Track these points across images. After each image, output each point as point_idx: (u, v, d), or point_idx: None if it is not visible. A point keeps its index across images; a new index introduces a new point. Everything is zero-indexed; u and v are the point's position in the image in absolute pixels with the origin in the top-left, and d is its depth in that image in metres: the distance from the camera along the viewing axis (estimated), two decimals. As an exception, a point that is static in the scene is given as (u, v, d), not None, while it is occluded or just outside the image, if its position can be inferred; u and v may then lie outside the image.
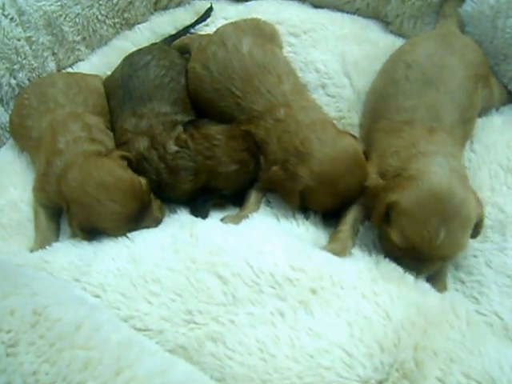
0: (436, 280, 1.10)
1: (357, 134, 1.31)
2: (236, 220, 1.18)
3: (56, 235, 1.27)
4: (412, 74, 1.25)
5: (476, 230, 1.06)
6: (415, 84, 1.23)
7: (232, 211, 1.26)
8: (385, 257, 1.09)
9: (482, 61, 1.35)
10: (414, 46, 1.34)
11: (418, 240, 1.01)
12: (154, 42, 1.52)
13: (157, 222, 1.20)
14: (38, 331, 0.78)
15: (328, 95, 1.40)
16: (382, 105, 1.28)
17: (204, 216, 1.21)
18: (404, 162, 1.10)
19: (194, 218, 1.19)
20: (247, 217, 1.18)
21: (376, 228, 1.14)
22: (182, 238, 1.08)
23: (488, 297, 1.07)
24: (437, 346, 0.90)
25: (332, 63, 1.41)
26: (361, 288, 0.97)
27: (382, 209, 1.06)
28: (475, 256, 1.14)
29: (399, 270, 1.05)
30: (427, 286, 1.06)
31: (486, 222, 1.14)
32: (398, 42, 1.46)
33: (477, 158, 1.27)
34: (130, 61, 1.38)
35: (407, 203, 1.02)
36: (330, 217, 1.21)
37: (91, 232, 1.16)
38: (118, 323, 0.91)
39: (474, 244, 1.14)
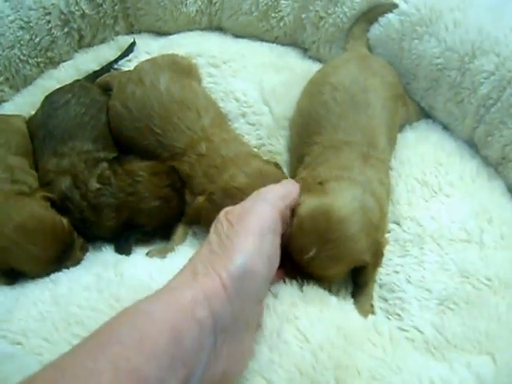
0: (361, 304, 1.09)
1: (278, 161, 1.34)
2: (161, 253, 1.17)
3: None
4: (339, 96, 1.25)
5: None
6: (345, 106, 1.23)
7: (159, 245, 1.24)
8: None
9: (398, 81, 1.40)
10: (336, 68, 1.36)
11: (293, 245, 1.01)
12: (77, 79, 1.50)
13: (79, 262, 1.18)
14: None
15: (248, 124, 1.40)
16: (313, 124, 1.27)
17: (127, 253, 1.20)
18: (331, 178, 1.10)
19: (119, 256, 1.18)
20: (173, 249, 1.18)
21: None
22: (107, 277, 1.06)
23: (409, 312, 1.06)
24: (360, 364, 0.90)
25: (251, 92, 1.42)
26: (282, 313, 0.96)
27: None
28: (397, 272, 1.13)
29: (322, 292, 1.04)
30: (351, 306, 1.06)
31: (406, 236, 1.17)
32: (315, 67, 1.48)
33: (393, 174, 1.27)
34: (50, 100, 1.37)
35: (304, 208, 1.01)
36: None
37: (13, 275, 1.12)
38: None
39: (395, 259, 1.15)
